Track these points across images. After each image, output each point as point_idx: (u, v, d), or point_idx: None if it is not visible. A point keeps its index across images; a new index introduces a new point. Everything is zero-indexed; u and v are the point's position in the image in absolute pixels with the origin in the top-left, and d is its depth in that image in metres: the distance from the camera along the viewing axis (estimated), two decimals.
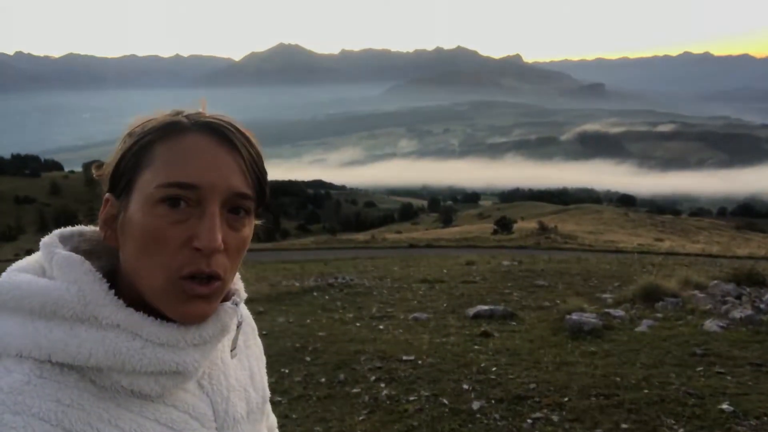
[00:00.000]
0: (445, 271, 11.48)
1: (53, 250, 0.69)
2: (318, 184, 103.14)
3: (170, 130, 0.69)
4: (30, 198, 79.12)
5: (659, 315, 5.92)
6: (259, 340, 0.93)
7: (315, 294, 8.47)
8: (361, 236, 28.53)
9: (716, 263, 12.98)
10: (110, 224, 0.70)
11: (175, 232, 0.65)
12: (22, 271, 0.68)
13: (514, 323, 6.22)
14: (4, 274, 0.68)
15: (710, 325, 5.17)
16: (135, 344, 0.64)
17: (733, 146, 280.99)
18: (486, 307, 6.64)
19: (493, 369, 4.54)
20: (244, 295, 0.80)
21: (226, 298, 0.74)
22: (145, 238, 0.65)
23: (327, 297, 8.30)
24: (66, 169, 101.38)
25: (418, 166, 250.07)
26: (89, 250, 0.72)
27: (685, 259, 14.59)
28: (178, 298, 0.65)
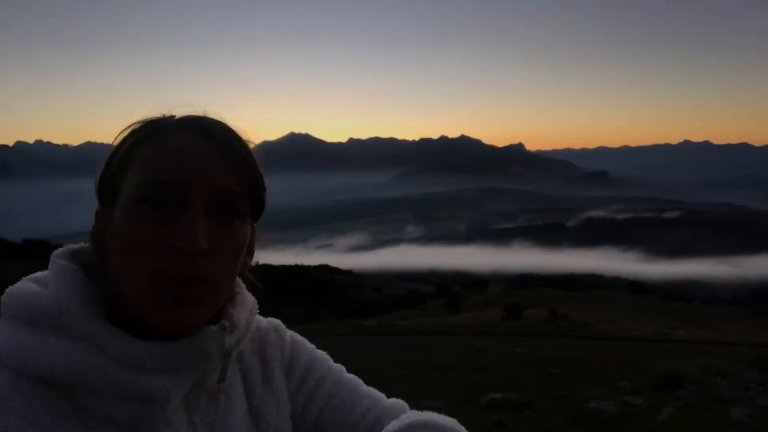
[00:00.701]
0: (455, 358, 11.19)
1: (55, 261, 0.67)
2: (324, 268, 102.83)
3: (152, 129, 0.66)
4: None
5: (680, 403, 5.69)
6: (305, 373, 0.82)
7: None
8: (368, 322, 28.05)
9: (735, 351, 12.61)
10: (100, 239, 0.67)
11: (156, 233, 0.61)
12: (30, 280, 0.67)
13: (530, 412, 5.97)
14: (18, 282, 0.67)
15: (737, 413, 4.94)
16: (98, 361, 0.60)
17: (742, 233, 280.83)
18: (500, 395, 6.40)
19: None
20: (242, 322, 0.71)
21: (218, 319, 0.68)
22: (126, 243, 0.62)
23: None
24: None
25: (425, 251, 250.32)
26: (99, 267, 0.68)
27: (702, 347, 14.18)
28: (159, 302, 0.61)
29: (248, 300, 0.75)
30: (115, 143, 0.67)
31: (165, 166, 0.62)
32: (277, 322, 0.85)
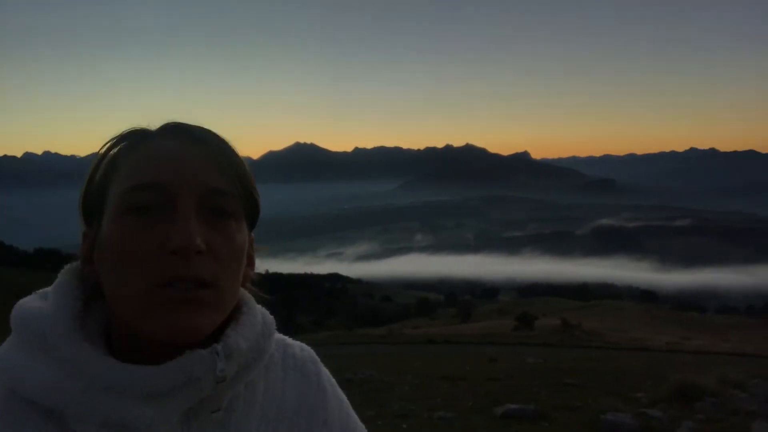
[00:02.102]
0: (467, 368, 11.11)
1: (59, 275, 0.65)
2: (334, 277, 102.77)
3: (133, 137, 0.64)
4: None
5: (700, 416, 5.60)
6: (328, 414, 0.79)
7: None
8: (378, 331, 27.96)
9: (752, 362, 12.44)
10: (89, 261, 0.64)
11: (147, 239, 0.57)
12: (38, 294, 0.65)
13: (546, 424, 5.90)
14: (28, 296, 0.66)
15: (759, 428, 4.86)
16: (78, 385, 0.56)
17: (754, 241, 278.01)
18: (515, 407, 6.33)
19: None
20: (241, 347, 0.63)
21: (210, 342, 0.61)
22: (116, 254, 0.58)
23: (345, 393, 8.01)
24: None
25: (434, 260, 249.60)
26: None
27: (718, 358, 14.01)
28: (159, 310, 0.56)
29: (258, 322, 0.68)
30: (98, 156, 0.65)
31: (150, 170, 0.60)
32: (312, 353, 0.79)
